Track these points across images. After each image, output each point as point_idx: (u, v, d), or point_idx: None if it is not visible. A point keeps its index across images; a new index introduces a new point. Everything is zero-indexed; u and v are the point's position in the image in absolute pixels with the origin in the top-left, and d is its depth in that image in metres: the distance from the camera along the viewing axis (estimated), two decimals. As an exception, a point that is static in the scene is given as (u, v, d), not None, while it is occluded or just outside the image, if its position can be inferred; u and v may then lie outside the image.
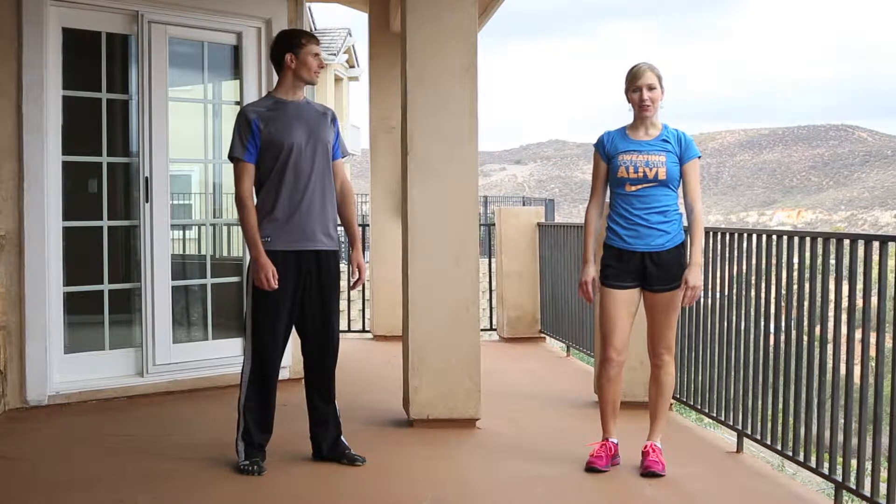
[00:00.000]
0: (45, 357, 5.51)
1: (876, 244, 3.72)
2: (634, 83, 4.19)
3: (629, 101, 4.23)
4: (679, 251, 4.22)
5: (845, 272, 3.88)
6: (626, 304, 4.22)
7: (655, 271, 4.17)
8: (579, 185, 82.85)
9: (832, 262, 4.03)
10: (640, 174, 4.15)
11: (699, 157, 4.26)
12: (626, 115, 4.31)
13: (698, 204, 4.22)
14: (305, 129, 4.23)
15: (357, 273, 4.38)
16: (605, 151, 4.27)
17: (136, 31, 5.86)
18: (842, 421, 3.94)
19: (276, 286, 4.13)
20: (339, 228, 4.48)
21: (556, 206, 33.32)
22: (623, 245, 4.19)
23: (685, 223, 4.28)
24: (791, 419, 4.25)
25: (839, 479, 3.88)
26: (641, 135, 4.23)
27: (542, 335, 8.48)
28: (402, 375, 5.25)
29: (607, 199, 4.39)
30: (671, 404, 5.59)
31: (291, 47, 4.23)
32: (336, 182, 4.35)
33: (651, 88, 4.17)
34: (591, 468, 4.25)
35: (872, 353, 3.67)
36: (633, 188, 4.17)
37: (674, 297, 4.20)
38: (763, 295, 4.55)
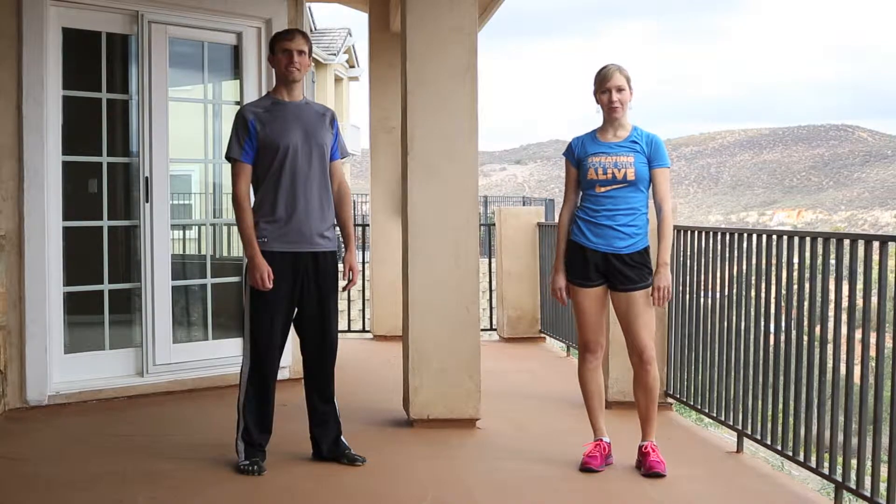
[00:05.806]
0: (45, 357, 5.51)
1: (876, 244, 3.72)
2: (603, 85, 4.21)
3: (598, 103, 4.25)
4: (643, 252, 4.22)
5: (845, 272, 3.87)
6: (594, 299, 4.27)
7: (619, 270, 4.18)
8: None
9: (832, 262, 4.03)
10: (609, 175, 4.17)
11: (668, 167, 4.25)
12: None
13: (667, 204, 4.22)
14: (303, 131, 4.23)
15: (350, 274, 4.38)
16: (575, 156, 4.30)
17: (136, 31, 5.86)
18: (842, 421, 3.93)
19: (271, 287, 4.13)
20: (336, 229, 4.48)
21: (556, 206, 33.24)
22: (587, 243, 4.21)
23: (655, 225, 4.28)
24: (791, 419, 4.24)
25: (839, 479, 3.88)
26: (610, 137, 4.25)
27: (542, 335, 8.47)
28: (402, 375, 5.25)
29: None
30: (671, 404, 5.59)
31: (270, 48, 4.34)
32: (333, 183, 4.35)
33: (620, 90, 4.19)
34: (585, 468, 4.25)
35: (872, 353, 3.67)
36: (603, 189, 4.19)
37: (639, 297, 4.19)
38: (763, 295, 4.55)
